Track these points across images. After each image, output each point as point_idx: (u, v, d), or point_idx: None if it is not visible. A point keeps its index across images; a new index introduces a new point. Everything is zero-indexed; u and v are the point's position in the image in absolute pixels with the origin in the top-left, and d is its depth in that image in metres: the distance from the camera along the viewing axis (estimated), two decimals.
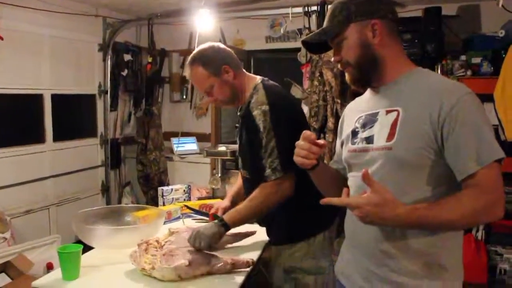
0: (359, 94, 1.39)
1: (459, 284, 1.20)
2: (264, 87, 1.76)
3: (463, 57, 3.37)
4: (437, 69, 3.33)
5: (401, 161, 1.14)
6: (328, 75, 3.05)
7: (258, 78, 1.83)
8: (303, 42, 1.35)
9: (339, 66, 1.30)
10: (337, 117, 3.12)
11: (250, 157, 1.74)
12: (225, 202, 2.04)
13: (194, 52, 1.78)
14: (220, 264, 1.53)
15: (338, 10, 1.25)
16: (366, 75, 1.25)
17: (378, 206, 1.06)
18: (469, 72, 3.30)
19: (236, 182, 2.22)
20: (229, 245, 1.88)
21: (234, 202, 2.01)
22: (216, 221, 1.71)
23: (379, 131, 1.20)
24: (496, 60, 3.25)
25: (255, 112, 1.69)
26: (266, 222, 1.87)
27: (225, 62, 1.75)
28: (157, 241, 1.72)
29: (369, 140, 1.22)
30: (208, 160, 4.09)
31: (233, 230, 1.85)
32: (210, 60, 1.74)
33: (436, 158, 1.12)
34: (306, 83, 3.50)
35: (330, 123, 3.11)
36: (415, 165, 1.13)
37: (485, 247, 3.19)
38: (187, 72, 1.82)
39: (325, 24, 1.28)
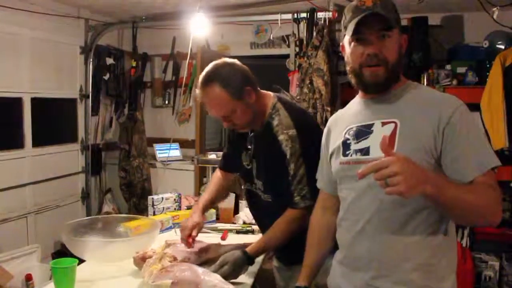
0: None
1: None
2: (284, 107, 1.62)
3: (448, 67, 3.42)
4: (423, 78, 3.36)
5: None
6: (318, 82, 3.03)
7: (273, 95, 1.67)
8: (353, 10, 1.21)
9: (368, 60, 1.19)
10: None
11: (274, 182, 1.63)
12: (195, 219, 1.74)
13: (208, 69, 1.55)
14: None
15: (391, 6, 1.22)
16: (393, 79, 1.24)
17: (408, 162, 0.96)
18: (454, 82, 3.34)
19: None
20: None
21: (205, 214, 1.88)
22: (240, 251, 1.57)
23: (376, 143, 1.17)
24: (481, 70, 3.31)
25: (281, 137, 1.56)
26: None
27: (246, 83, 1.55)
28: (154, 253, 1.66)
29: (364, 152, 1.23)
30: (192, 167, 4.02)
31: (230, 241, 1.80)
32: (231, 81, 1.51)
33: (436, 167, 1.13)
34: (293, 90, 3.48)
35: None
36: None
37: (471, 254, 3.22)
38: (200, 94, 1.57)
39: (380, 10, 1.17)
